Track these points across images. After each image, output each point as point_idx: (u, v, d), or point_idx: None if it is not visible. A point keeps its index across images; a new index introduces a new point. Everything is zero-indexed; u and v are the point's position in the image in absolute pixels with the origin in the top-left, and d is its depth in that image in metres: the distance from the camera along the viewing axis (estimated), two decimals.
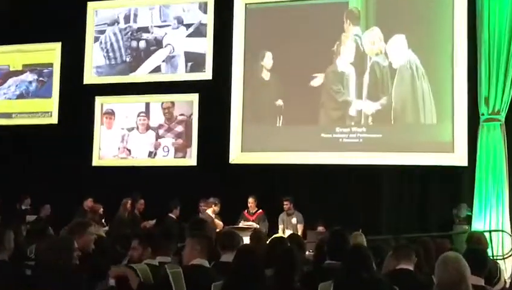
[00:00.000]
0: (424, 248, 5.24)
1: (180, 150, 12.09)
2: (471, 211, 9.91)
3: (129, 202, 10.37)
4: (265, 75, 11.47)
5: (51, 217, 10.75)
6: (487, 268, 4.15)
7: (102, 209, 10.11)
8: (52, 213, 11.10)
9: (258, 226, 9.77)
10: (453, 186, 10.24)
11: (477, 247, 4.79)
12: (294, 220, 10.06)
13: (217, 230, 9.11)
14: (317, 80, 11.00)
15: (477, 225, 9.69)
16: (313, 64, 11.01)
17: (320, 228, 9.93)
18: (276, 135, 11.22)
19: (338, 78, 10.93)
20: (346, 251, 4.18)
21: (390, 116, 10.67)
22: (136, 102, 12.40)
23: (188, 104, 12.06)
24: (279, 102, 11.25)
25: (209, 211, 9.78)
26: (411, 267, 4.57)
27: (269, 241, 5.37)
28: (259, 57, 11.53)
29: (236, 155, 11.50)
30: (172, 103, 12.21)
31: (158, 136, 12.27)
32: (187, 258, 4.24)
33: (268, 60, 11.47)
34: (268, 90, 11.37)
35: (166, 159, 12.15)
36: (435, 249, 5.26)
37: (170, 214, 10.04)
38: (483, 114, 10.06)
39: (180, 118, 12.15)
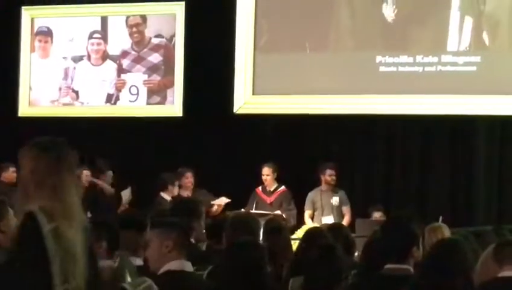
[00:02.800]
0: None
1: (157, 92, 12.15)
2: None
3: (84, 172, 10.43)
4: None
5: None
6: None
7: None
8: None
9: (279, 212, 9.86)
10: None
11: None
12: (335, 201, 10.05)
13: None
14: None
15: None
16: None
17: (377, 215, 9.88)
18: (307, 69, 11.19)
19: None
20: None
21: (497, 32, 10.55)
22: (86, 15, 12.40)
23: (168, 19, 12.06)
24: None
25: None
26: None
27: (302, 237, 5.45)
28: None
29: (245, 100, 11.53)
30: (144, 18, 12.21)
31: (122, 71, 12.31)
32: (155, 261, 4.30)
33: None
34: None
35: (134, 106, 12.22)
36: None
37: (163, 194, 9.99)
38: None
39: (155, 41, 12.17)
